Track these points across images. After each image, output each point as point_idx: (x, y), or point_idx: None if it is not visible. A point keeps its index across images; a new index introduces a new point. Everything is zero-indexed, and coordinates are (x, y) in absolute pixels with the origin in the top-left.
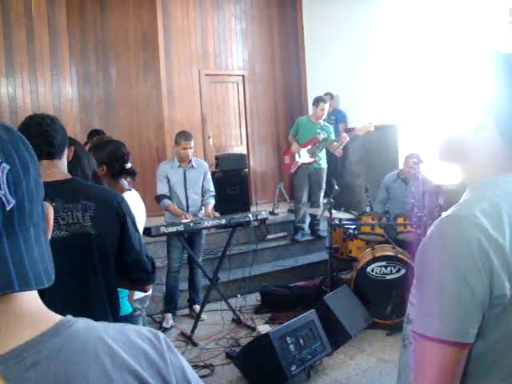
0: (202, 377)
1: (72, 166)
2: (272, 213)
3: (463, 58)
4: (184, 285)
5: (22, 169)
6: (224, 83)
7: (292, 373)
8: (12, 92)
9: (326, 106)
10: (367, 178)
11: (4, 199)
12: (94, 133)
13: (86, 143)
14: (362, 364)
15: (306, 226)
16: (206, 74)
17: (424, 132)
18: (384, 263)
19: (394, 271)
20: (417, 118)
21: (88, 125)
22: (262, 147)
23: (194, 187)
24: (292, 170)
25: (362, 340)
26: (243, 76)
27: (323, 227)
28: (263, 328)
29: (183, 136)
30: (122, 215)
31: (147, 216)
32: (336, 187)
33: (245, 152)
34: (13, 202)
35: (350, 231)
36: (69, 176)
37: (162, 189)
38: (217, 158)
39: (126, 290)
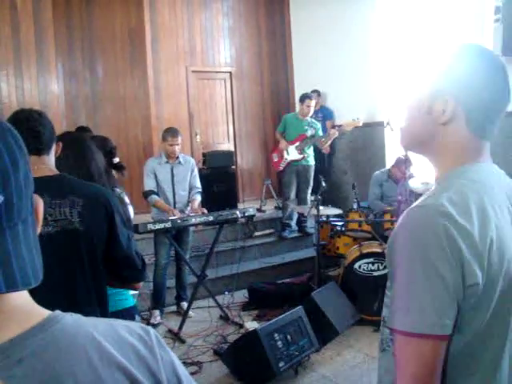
0: (189, 374)
1: (85, 161)
2: (259, 210)
3: (434, 50)
4: (171, 282)
5: (11, 163)
6: (211, 80)
7: (280, 369)
8: None
9: (313, 103)
10: (354, 175)
11: None
12: (80, 130)
13: None
14: (349, 360)
15: (293, 223)
16: (194, 71)
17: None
18: (371, 260)
19: (381, 268)
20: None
21: (74, 122)
22: (250, 144)
23: (181, 183)
24: (281, 168)
25: (349, 336)
26: (230, 73)
27: (310, 224)
28: (251, 325)
29: (170, 132)
30: (110, 211)
31: (134, 213)
32: (323, 184)
33: (232, 149)
34: (1, 198)
35: (338, 228)
36: (56, 172)
37: (149, 184)
38: (204, 154)
39: None
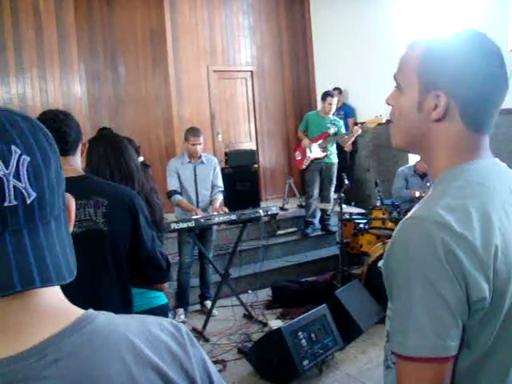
0: None
1: (125, 158)
2: (282, 208)
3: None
4: (195, 281)
5: (43, 160)
6: (232, 79)
7: (304, 367)
8: (21, 91)
9: (334, 101)
10: (377, 172)
11: (24, 192)
12: (102, 131)
13: None
14: (373, 358)
15: (316, 221)
16: (215, 70)
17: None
18: None
19: None
20: None
21: (97, 123)
22: (271, 142)
23: (204, 183)
24: (304, 166)
25: (373, 334)
26: (251, 72)
27: (334, 222)
28: (275, 323)
29: (192, 132)
30: (134, 212)
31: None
32: (346, 182)
33: (254, 148)
34: (34, 194)
35: (361, 226)
36: (81, 173)
37: (173, 184)
38: (226, 154)
39: None
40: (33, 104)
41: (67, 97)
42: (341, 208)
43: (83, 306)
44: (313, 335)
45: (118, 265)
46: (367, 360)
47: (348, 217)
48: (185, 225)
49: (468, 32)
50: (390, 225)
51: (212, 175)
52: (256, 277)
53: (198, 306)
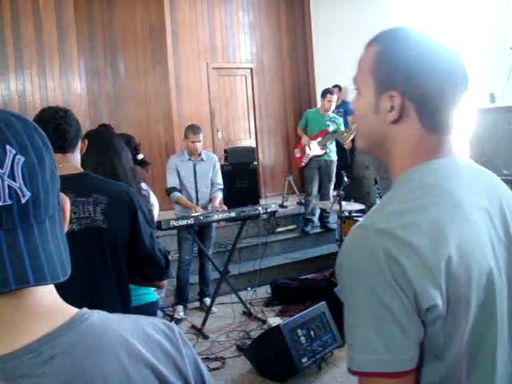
0: (213, 369)
1: (108, 158)
2: (281, 205)
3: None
4: (194, 278)
5: (38, 160)
6: (232, 76)
7: (303, 365)
8: (21, 87)
9: (334, 98)
10: (376, 169)
11: (19, 192)
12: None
13: None
14: None
15: (315, 219)
16: (214, 68)
17: None
18: None
19: None
20: None
21: (96, 120)
22: (271, 140)
23: (203, 180)
24: (303, 163)
25: None
26: (251, 69)
27: (333, 219)
28: (274, 320)
29: (192, 129)
30: (133, 209)
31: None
32: (346, 179)
33: (253, 145)
34: (28, 194)
35: None
36: (81, 170)
37: (172, 181)
38: (226, 151)
39: None
40: (32, 101)
41: (67, 93)
42: (340, 205)
43: (82, 302)
44: (312, 332)
45: (117, 262)
46: None
47: (347, 214)
48: (184, 222)
49: (413, 28)
50: None
51: (212, 172)
52: (255, 274)
53: (197, 303)
